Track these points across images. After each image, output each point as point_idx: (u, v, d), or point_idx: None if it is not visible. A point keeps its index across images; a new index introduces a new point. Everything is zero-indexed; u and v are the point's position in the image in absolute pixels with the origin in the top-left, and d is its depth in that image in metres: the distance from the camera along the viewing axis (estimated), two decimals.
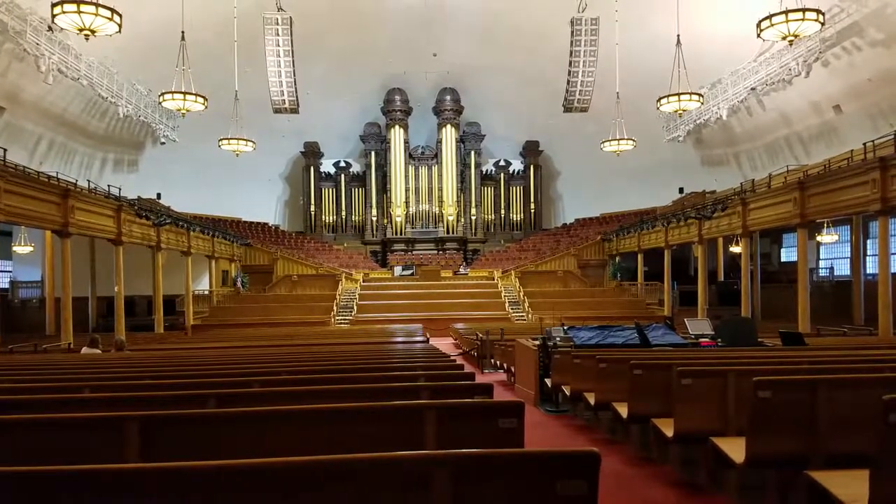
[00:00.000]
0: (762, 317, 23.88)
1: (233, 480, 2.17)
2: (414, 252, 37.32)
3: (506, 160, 39.38)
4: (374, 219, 37.92)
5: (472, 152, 37.97)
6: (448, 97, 36.93)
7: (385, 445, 3.14)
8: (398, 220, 37.27)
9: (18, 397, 4.64)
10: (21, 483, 2.15)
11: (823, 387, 3.79)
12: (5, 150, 17.26)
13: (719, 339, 8.99)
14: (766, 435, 3.80)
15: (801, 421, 3.77)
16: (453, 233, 37.63)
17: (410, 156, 37.60)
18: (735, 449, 4.11)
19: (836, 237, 24.52)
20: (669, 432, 4.89)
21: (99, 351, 12.51)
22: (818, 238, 24.42)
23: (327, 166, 38.66)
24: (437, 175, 37.51)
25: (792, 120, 25.85)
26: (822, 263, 27.92)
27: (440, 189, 37.49)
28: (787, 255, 29.33)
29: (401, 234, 37.46)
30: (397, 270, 33.75)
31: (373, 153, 37.78)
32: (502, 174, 39.21)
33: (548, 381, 8.86)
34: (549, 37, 28.12)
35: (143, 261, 23.78)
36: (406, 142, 37.37)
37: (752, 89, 24.69)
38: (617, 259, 33.13)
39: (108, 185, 23.23)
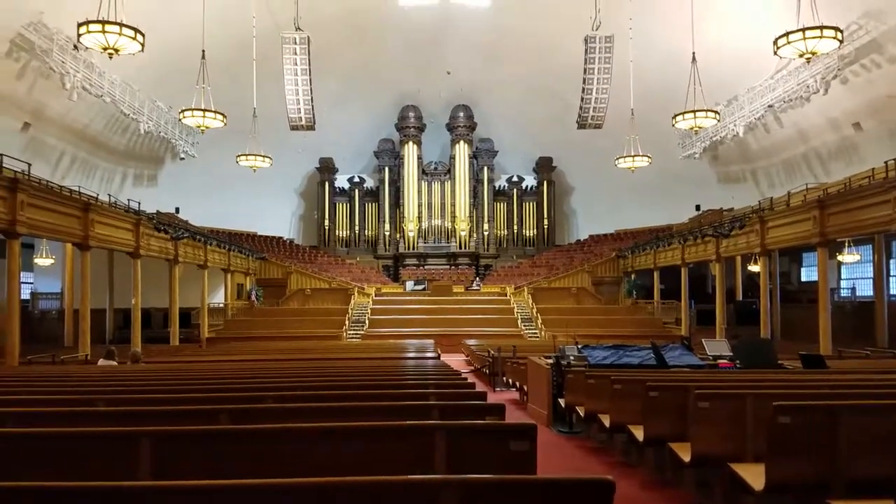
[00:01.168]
0: (781, 338, 23.54)
1: (241, 501, 2.17)
2: (426, 267, 37.33)
3: (518, 176, 39.40)
4: (387, 233, 38.03)
5: (485, 168, 38.03)
6: (461, 114, 37.10)
7: (395, 465, 3.12)
8: (411, 234, 37.34)
9: (35, 409, 4.67)
10: (38, 499, 2.16)
11: (845, 412, 3.72)
12: (29, 164, 17.53)
13: (738, 361, 8.86)
14: (786, 461, 3.72)
15: (821, 447, 3.70)
16: (465, 248, 37.63)
17: (423, 171, 37.75)
18: (753, 474, 4.04)
19: (857, 257, 24.16)
20: (686, 456, 4.82)
21: (115, 363, 12.60)
22: (839, 257, 24.09)
23: (341, 181, 38.91)
24: (450, 190, 37.59)
25: (810, 137, 25.65)
26: (843, 283, 27.52)
27: (453, 204, 37.55)
28: (808, 274, 28.97)
29: (413, 248, 37.51)
30: (409, 285, 33.75)
31: (386, 169, 37.97)
32: (515, 190, 39.22)
33: (561, 401, 8.77)
34: (562, 53, 28.19)
35: (159, 274, 23.98)
36: (419, 157, 37.53)
37: (770, 106, 24.56)
38: (632, 276, 32.89)
39: (128, 200, 23.51)
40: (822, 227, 18.00)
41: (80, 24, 13.79)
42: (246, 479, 2.28)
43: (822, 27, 14.19)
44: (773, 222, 20.73)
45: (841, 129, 23.95)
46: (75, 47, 20.06)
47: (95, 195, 21.05)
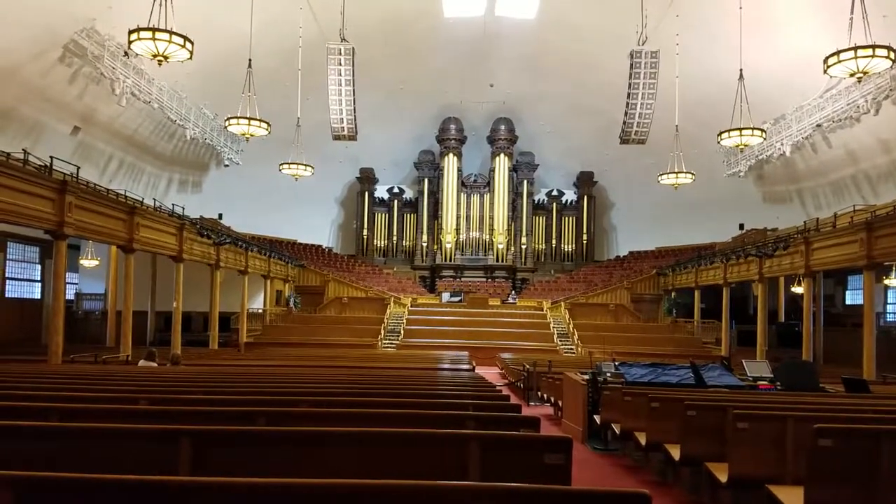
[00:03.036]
0: (824, 361, 22.94)
1: (277, 499, 2.21)
2: (462, 279, 37.34)
3: (558, 190, 39.25)
4: (425, 244, 38.18)
5: (525, 181, 37.98)
6: (503, 126, 37.13)
7: (427, 472, 3.13)
8: (448, 246, 37.42)
9: (79, 406, 4.80)
10: (82, 490, 2.23)
11: (888, 438, 3.62)
12: (78, 167, 18.07)
13: (778, 383, 8.68)
14: (826, 485, 3.64)
15: (862, 473, 3.60)
16: (503, 261, 37.55)
17: (463, 183, 37.84)
18: (792, 498, 3.95)
19: None
20: (723, 477, 4.74)
21: (155, 364, 12.86)
22: (885, 281, 23.43)
23: (381, 192, 39.26)
24: (489, 203, 37.61)
25: (859, 158, 25.03)
26: (889, 307, 26.74)
27: (491, 217, 37.54)
28: (853, 297, 28.20)
29: (450, 260, 37.56)
30: (445, 297, 33.78)
31: (426, 180, 38.19)
32: (554, 204, 39.05)
33: (596, 418, 8.69)
34: (606, 68, 28.08)
35: (201, 278, 24.44)
36: (459, 170, 37.65)
37: (818, 126, 24.06)
38: (672, 294, 32.42)
39: (173, 204, 24.07)
40: (869, 250, 17.54)
41: (130, 31, 14.15)
42: (284, 479, 2.32)
43: (874, 46, 13.86)
44: (819, 243, 20.26)
45: (891, 151, 23.34)
46: (126, 54, 20.66)
47: (141, 199, 21.58)
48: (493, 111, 36.59)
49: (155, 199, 24.71)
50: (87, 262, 26.74)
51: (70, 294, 27.87)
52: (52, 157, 16.81)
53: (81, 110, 23.00)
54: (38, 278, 28.12)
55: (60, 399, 5.41)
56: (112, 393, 6.11)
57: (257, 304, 30.42)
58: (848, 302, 28.63)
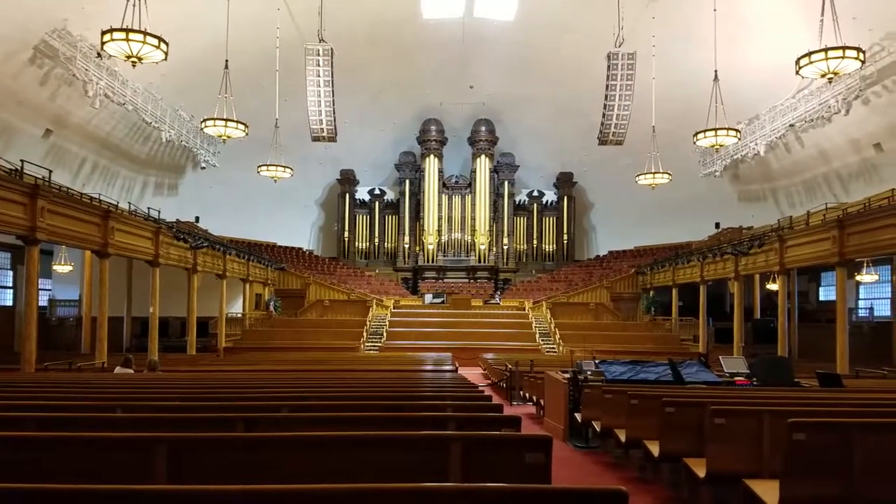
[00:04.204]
0: (799, 356, 23.29)
1: None
2: (445, 280, 37.38)
3: (539, 191, 39.46)
4: (407, 246, 38.14)
5: (506, 182, 38.13)
6: (483, 128, 37.24)
7: (410, 474, 3.13)
8: (430, 247, 37.42)
9: (53, 414, 4.73)
10: (55, 501, 2.19)
11: (861, 431, 3.68)
12: (50, 171, 17.75)
13: (755, 379, 8.79)
14: (801, 479, 3.69)
15: (837, 465, 3.66)
16: (485, 262, 37.64)
17: (444, 185, 37.88)
18: (769, 492, 4.00)
19: (876, 277, 23.89)
20: (701, 473, 4.79)
21: (132, 371, 12.69)
22: (857, 277, 23.82)
23: (362, 193, 39.14)
24: (471, 204, 37.68)
25: (831, 157, 25.45)
26: (861, 303, 27.20)
27: (473, 218, 37.63)
28: (826, 294, 28.65)
29: (432, 261, 37.58)
30: (428, 298, 33.77)
31: (407, 181, 38.16)
32: (535, 204, 39.26)
33: (577, 416, 8.74)
34: (584, 69, 28.24)
35: (178, 283, 24.16)
36: (440, 171, 37.68)
37: (791, 126, 24.42)
38: (651, 293, 32.71)
39: (148, 208, 23.76)
40: (842, 247, 17.83)
41: (104, 32, 13.93)
42: (260, 486, 2.30)
43: (844, 48, 14.09)
44: (793, 241, 20.56)
45: (861, 150, 23.76)
46: (99, 55, 20.37)
47: (116, 203, 21.29)
48: (474, 112, 36.68)
49: (130, 203, 24.41)
50: (61, 268, 26.29)
51: (43, 300, 27.42)
52: (22, 161, 16.49)
53: (54, 112, 22.63)
54: (10, 284, 27.64)
55: (34, 408, 5.32)
56: (87, 401, 6.02)
57: (236, 308, 30.16)
58: (822, 298, 29.10)
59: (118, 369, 12.87)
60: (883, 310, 25.75)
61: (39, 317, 16.79)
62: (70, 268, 26.21)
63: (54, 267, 26.63)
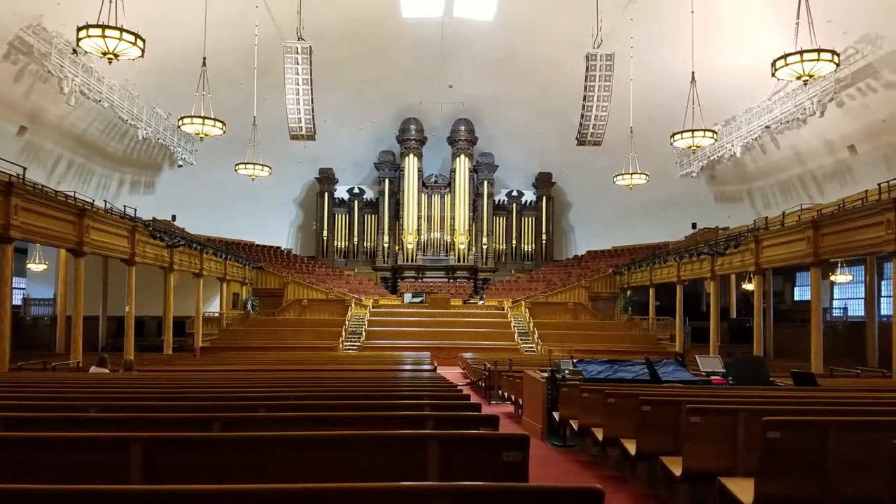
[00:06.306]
0: (774, 356, 23.60)
1: None
2: (424, 280, 37.35)
3: (518, 191, 39.58)
4: (386, 245, 38.04)
5: (485, 182, 38.17)
6: (462, 127, 37.26)
7: (388, 474, 3.12)
8: (410, 247, 37.37)
9: (25, 414, 4.65)
10: (28, 502, 2.16)
11: (835, 429, 3.73)
12: (24, 168, 17.46)
13: (730, 378, 8.89)
14: (776, 476, 3.74)
15: (811, 463, 3.71)
16: (464, 261, 37.67)
17: (424, 184, 37.84)
18: (744, 490, 4.04)
19: (849, 277, 24.28)
20: (677, 471, 4.83)
21: (107, 370, 12.52)
22: (832, 278, 24.21)
23: (341, 192, 38.95)
24: (450, 204, 37.68)
25: (806, 159, 25.82)
26: (835, 303, 27.65)
27: (452, 218, 37.63)
28: (801, 293, 29.08)
29: (412, 261, 37.52)
30: (407, 297, 33.73)
31: (386, 181, 38.05)
32: (514, 204, 39.37)
33: (555, 415, 8.77)
34: (564, 70, 28.38)
35: (154, 282, 23.89)
36: (420, 170, 37.62)
37: (767, 127, 24.73)
38: (628, 293, 32.96)
39: (124, 206, 23.46)
40: (816, 248, 18.10)
41: (79, 28, 13.76)
42: (237, 485, 2.28)
43: (819, 50, 14.32)
44: (768, 241, 20.83)
45: (836, 152, 24.14)
46: (74, 51, 20.08)
47: (91, 201, 20.99)
48: (453, 112, 36.68)
49: (106, 201, 24.04)
50: (35, 267, 25.89)
51: (17, 299, 26.98)
52: None
53: (28, 109, 22.27)
54: None
55: (7, 408, 5.23)
56: (61, 401, 5.94)
57: (213, 307, 29.89)
58: (797, 298, 29.53)
59: (93, 369, 12.70)
60: (857, 310, 26.18)
61: (13, 316, 16.51)
62: (45, 266, 25.82)
63: (28, 265, 26.23)
